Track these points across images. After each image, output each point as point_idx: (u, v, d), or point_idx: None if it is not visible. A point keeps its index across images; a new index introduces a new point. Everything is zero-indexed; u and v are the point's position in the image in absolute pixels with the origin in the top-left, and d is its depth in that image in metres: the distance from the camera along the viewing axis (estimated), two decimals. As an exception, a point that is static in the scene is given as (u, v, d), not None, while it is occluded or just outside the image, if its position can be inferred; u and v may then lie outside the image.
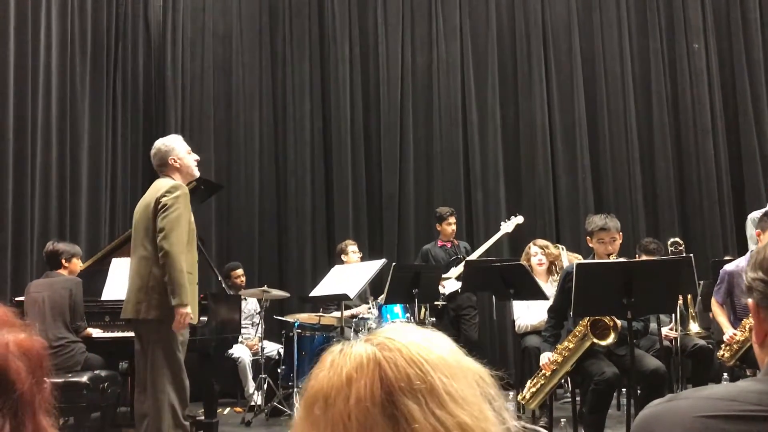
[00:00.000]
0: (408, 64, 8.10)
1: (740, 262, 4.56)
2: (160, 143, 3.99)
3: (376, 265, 4.67)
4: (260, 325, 6.16)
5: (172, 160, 3.92)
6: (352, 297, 4.43)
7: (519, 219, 6.68)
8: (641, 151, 7.87)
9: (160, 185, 3.84)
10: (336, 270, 4.92)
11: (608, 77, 8.01)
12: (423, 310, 6.07)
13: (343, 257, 6.39)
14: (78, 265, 5.04)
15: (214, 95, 7.96)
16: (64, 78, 6.64)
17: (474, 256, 6.46)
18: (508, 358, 7.18)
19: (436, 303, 6.28)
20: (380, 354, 0.83)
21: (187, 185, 4.00)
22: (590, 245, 4.28)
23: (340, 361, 0.85)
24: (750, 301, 1.11)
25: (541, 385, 4.23)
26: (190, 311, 3.65)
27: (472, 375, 0.86)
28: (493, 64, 8.01)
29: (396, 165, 7.93)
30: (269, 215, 7.92)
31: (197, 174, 4.11)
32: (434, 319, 6.22)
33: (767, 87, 7.82)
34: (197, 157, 4.10)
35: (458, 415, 0.81)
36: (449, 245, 6.64)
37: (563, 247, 5.57)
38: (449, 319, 6.52)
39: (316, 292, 4.75)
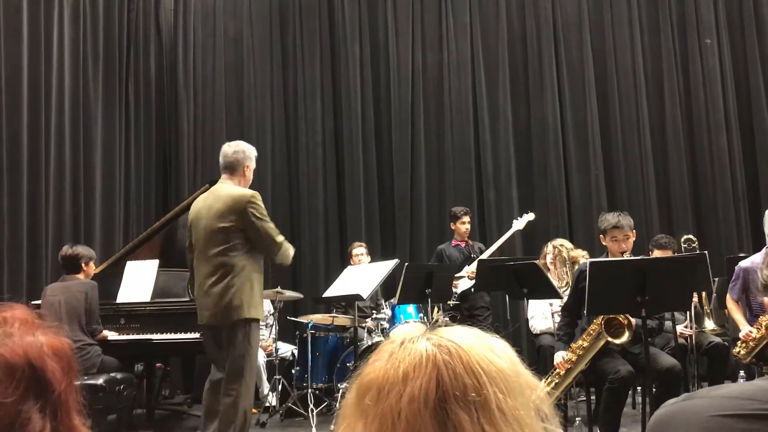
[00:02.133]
0: (418, 64, 8.10)
1: (755, 259, 4.52)
2: (244, 146, 4.20)
3: (389, 265, 4.68)
4: (274, 326, 6.18)
5: (246, 168, 4.14)
6: (365, 297, 4.43)
7: (530, 216, 6.66)
8: (654, 149, 7.82)
9: (245, 193, 4.00)
10: (348, 271, 4.93)
11: (620, 74, 7.97)
12: (436, 309, 6.06)
13: (350, 261, 6.41)
14: (93, 268, 5.08)
15: (225, 97, 8.00)
16: (77, 82, 6.69)
17: (486, 254, 6.44)
18: (522, 357, 7.14)
19: (449, 302, 6.28)
20: (440, 357, 0.83)
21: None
22: (603, 243, 4.26)
23: (399, 354, 0.85)
24: (766, 299, 1.10)
25: (556, 384, 4.20)
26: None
27: (530, 392, 0.86)
28: (504, 62, 8.00)
29: (408, 165, 7.93)
30: (282, 216, 7.92)
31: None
32: (448, 318, 6.21)
33: (781, 82, 7.75)
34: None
35: None
36: (464, 245, 6.64)
37: (585, 254, 5.51)
38: (462, 318, 6.51)
39: (329, 293, 4.76)
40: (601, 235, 4.26)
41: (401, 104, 8.03)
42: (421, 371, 0.82)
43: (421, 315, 5.83)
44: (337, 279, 4.86)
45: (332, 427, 5.27)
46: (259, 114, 8.00)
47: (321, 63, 8.14)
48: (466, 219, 6.60)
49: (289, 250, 4.13)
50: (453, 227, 6.67)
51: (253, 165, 4.21)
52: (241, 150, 4.15)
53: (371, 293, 5.22)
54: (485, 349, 0.85)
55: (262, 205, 4.00)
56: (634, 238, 4.24)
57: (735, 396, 1.01)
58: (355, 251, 6.54)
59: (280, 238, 4.07)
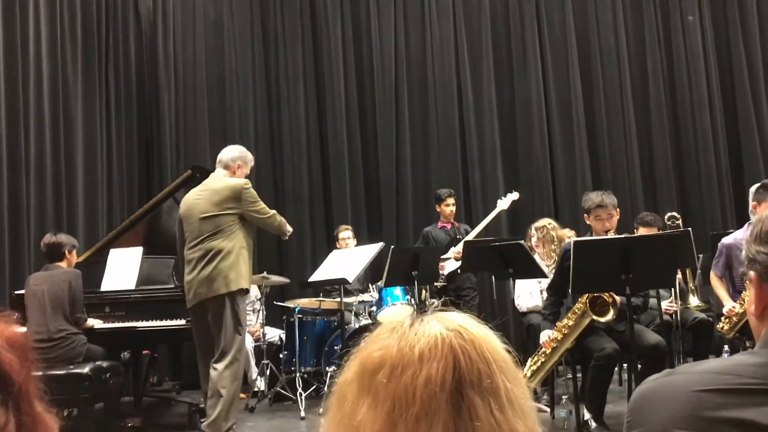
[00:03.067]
0: (401, 45, 8.04)
1: (738, 235, 4.55)
2: (245, 151, 4.67)
3: (374, 248, 4.68)
4: (261, 312, 6.17)
5: (238, 166, 4.55)
6: (350, 281, 4.44)
7: (515, 195, 6.67)
8: (638, 127, 7.84)
9: (238, 181, 4.45)
10: (334, 255, 4.93)
11: (603, 53, 7.96)
12: (424, 291, 6.08)
13: (337, 244, 6.40)
14: (76, 257, 5.03)
15: (207, 81, 7.90)
16: (56, 67, 6.59)
17: (472, 234, 6.46)
18: (509, 337, 7.18)
19: (435, 284, 6.30)
20: (456, 341, 0.83)
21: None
22: (588, 222, 4.27)
23: (410, 335, 0.84)
24: (752, 273, 1.10)
25: (542, 362, 4.24)
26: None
27: (525, 383, 0.87)
28: (487, 42, 7.96)
29: (392, 147, 7.90)
30: (267, 201, 7.78)
31: None
32: (434, 301, 6.23)
33: (763, 59, 7.78)
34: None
35: (514, 423, 0.82)
36: (449, 227, 6.64)
37: (573, 233, 5.53)
38: (449, 299, 6.53)
39: (314, 277, 4.76)
40: (585, 214, 4.27)
41: (385, 86, 7.98)
42: (438, 353, 0.82)
43: (408, 297, 5.84)
44: (323, 263, 4.84)
45: (321, 410, 5.29)
46: (241, 98, 7.93)
47: (303, 46, 8.06)
48: (451, 201, 6.61)
49: (284, 224, 4.63)
50: (438, 209, 6.67)
51: (246, 170, 4.58)
52: (237, 150, 4.62)
53: (357, 276, 5.23)
54: (491, 338, 0.86)
55: (254, 191, 4.44)
56: (618, 217, 4.25)
57: (715, 371, 1.02)
58: (341, 234, 6.54)
59: (273, 212, 4.57)
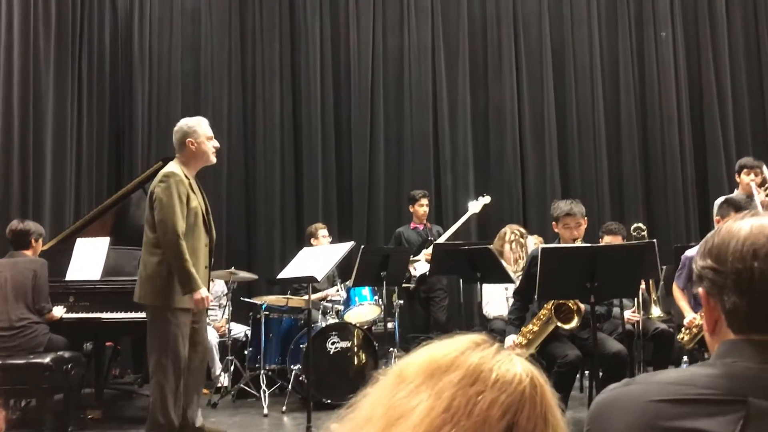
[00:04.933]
0: (379, 48, 8.08)
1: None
2: (183, 123, 4.07)
3: (344, 247, 4.67)
4: (227, 307, 6.13)
5: (190, 143, 4.01)
6: (319, 279, 4.43)
7: (486, 199, 6.75)
8: (608, 139, 7.97)
9: (160, 173, 3.91)
10: (304, 252, 4.91)
11: (577, 65, 8.08)
12: (396, 292, 6.11)
13: (312, 241, 6.39)
14: (41, 245, 4.96)
15: (182, 74, 7.85)
16: (27, 57, 6.47)
17: (444, 237, 6.51)
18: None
19: (406, 285, 6.34)
20: (529, 389, 0.83)
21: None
22: (556, 230, 4.33)
23: (494, 358, 0.85)
24: (701, 289, 1.13)
25: (506, 367, 4.27)
26: (204, 294, 3.81)
27: None
28: (464, 49, 8.03)
29: (366, 148, 7.92)
30: (237, 197, 7.86)
31: (213, 161, 4.20)
32: (402, 301, 6.26)
33: (731, 77, 7.95)
34: (217, 144, 4.16)
35: None
36: (422, 228, 6.69)
37: (539, 240, 5.62)
38: (419, 301, 6.58)
39: (283, 275, 4.73)
40: (553, 222, 4.33)
41: (361, 87, 8.00)
42: (510, 389, 0.82)
43: (376, 297, 5.86)
44: (292, 260, 4.84)
45: (284, 408, 5.29)
46: (215, 93, 7.89)
47: (280, 43, 8.05)
48: (424, 201, 6.66)
49: (180, 249, 3.78)
50: (411, 210, 6.72)
51: (200, 137, 4.02)
52: (179, 127, 4.07)
53: (326, 275, 5.22)
54: (553, 398, 0.87)
55: (174, 188, 3.84)
56: (585, 226, 4.32)
57: (671, 382, 1.04)
58: (320, 232, 6.51)
59: (177, 227, 3.81)
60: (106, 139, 7.49)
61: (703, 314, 4.11)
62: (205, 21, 7.94)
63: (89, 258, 5.19)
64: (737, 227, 1.09)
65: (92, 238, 5.34)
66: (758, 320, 1.05)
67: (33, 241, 4.77)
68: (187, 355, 3.92)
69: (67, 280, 5.10)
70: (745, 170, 5.50)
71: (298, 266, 4.67)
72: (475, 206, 6.71)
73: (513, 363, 0.86)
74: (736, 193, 5.49)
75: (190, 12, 7.97)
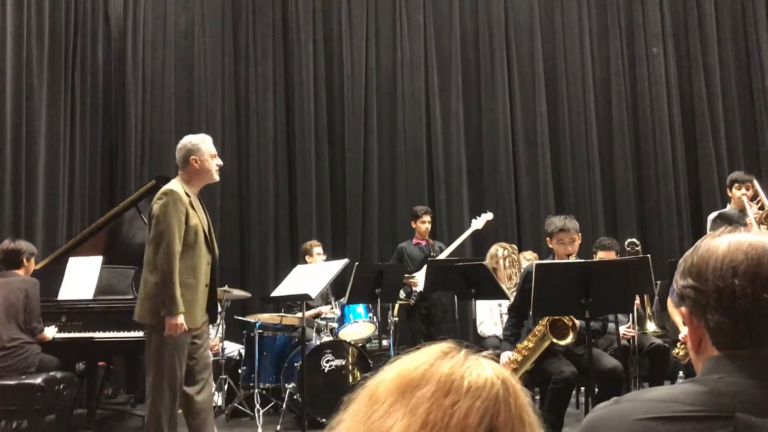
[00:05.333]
0: (372, 63, 8.10)
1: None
2: (187, 140, 4.01)
3: (338, 265, 4.66)
4: (221, 325, 6.09)
5: (194, 160, 3.96)
6: (313, 297, 4.41)
7: (489, 216, 6.76)
8: (601, 153, 7.99)
9: (160, 191, 3.87)
10: (298, 270, 4.89)
11: (569, 79, 8.12)
12: (396, 308, 6.11)
13: (307, 258, 6.37)
14: (34, 265, 4.93)
15: (175, 91, 7.85)
16: (20, 73, 6.47)
17: (446, 253, 6.53)
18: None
19: (407, 301, 6.34)
20: (502, 392, 0.83)
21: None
22: (550, 246, 4.33)
23: (464, 365, 0.85)
24: (683, 309, 1.13)
25: (501, 384, 4.25)
26: (180, 321, 3.70)
27: None
28: (457, 64, 8.06)
29: (360, 164, 7.92)
30: (231, 213, 7.84)
31: (216, 179, 4.14)
32: (397, 318, 6.24)
33: (722, 91, 7.99)
34: (220, 162, 4.12)
35: None
36: (424, 243, 6.69)
37: (533, 256, 5.64)
38: (420, 317, 6.57)
39: (277, 293, 4.71)
40: (547, 238, 4.33)
41: (354, 103, 8.02)
42: (484, 394, 0.82)
43: (371, 315, 5.84)
44: (286, 278, 4.82)
45: (278, 427, 5.24)
46: (209, 109, 7.89)
47: (274, 59, 8.07)
48: (427, 219, 6.69)
49: (171, 269, 3.70)
50: (413, 226, 6.74)
51: (203, 155, 3.98)
52: (182, 145, 4.02)
53: (320, 293, 5.20)
54: (527, 398, 0.87)
55: (171, 205, 3.78)
56: (579, 241, 4.32)
57: (659, 399, 1.05)
58: (315, 249, 6.49)
59: (171, 245, 3.73)
60: (99, 157, 7.47)
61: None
62: (198, 38, 7.95)
63: (81, 277, 5.16)
64: (715, 245, 1.11)
65: (84, 257, 5.31)
66: (742, 336, 1.06)
67: (25, 260, 4.74)
68: (183, 376, 3.87)
69: (59, 300, 5.07)
70: (736, 185, 5.52)
71: (291, 284, 4.65)
72: (477, 223, 6.73)
73: (483, 367, 0.85)
74: (729, 208, 5.51)
75: (184, 29, 7.99)
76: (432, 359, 0.86)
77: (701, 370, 1.10)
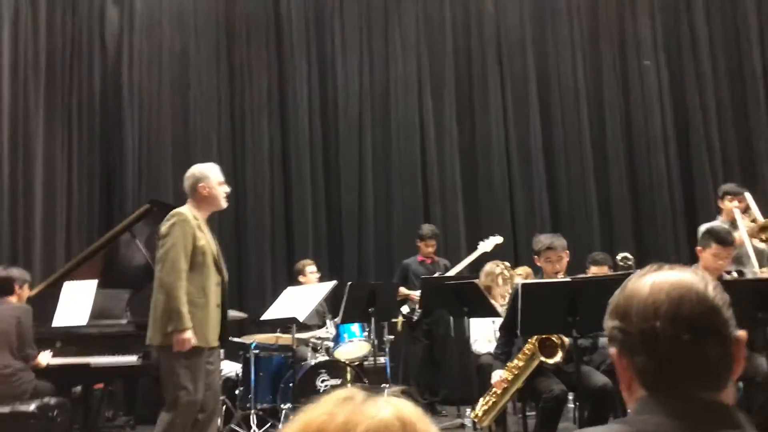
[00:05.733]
0: (366, 81, 8.15)
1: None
2: (196, 169, 4.15)
3: (327, 287, 4.69)
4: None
5: (202, 188, 4.07)
6: (301, 320, 4.43)
7: (498, 239, 6.74)
8: (595, 166, 8.00)
9: (169, 213, 4.00)
10: (288, 292, 4.92)
11: (562, 93, 8.14)
12: (400, 325, 6.14)
13: (300, 278, 6.39)
14: (27, 291, 4.96)
15: (171, 112, 7.89)
16: (17, 97, 6.54)
17: (451, 273, 6.52)
18: (469, 373, 7.21)
19: (410, 317, 6.38)
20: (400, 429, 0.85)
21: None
22: (538, 264, 4.35)
23: (361, 411, 0.86)
24: (612, 350, 1.15)
25: (493, 402, 4.27)
26: (188, 336, 3.75)
27: None
28: (450, 81, 8.11)
29: (355, 182, 7.95)
30: (228, 233, 7.84)
31: (224, 205, 4.24)
32: (392, 336, 6.24)
33: (716, 102, 8.00)
34: (228, 190, 4.23)
35: None
36: (429, 261, 6.72)
37: (526, 272, 5.66)
38: (423, 333, 6.58)
39: (266, 316, 4.74)
40: (535, 256, 4.35)
41: (348, 121, 8.06)
42: None
43: (366, 333, 5.85)
44: (276, 301, 4.84)
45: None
46: (204, 130, 7.93)
47: (268, 79, 8.12)
48: (432, 243, 6.75)
49: (176, 285, 3.81)
50: (418, 245, 6.79)
51: (211, 182, 4.10)
52: (191, 173, 4.14)
53: (315, 312, 5.22)
54: (428, 424, 0.88)
55: (178, 226, 3.91)
56: (567, 259, 4.34)
57: None
58: (308, 269, 6.52)
59: (177, 263, 3.84)
60: (96, 180, 7.51)
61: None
62: (193, 59, 8.01)
63: (76, 302, 5.18)
64: (639, 285, 1.12)
65: (79, 281, 5.34)
66: (666, 378, 1.08)
67: (17, 287, 4.78)
68: (202, 396, 3.89)
69: (54, 326, 5.09)
70: (728, 197, 5.53)
71: (280, 307, 4.68)
72: (486, 245, 6.70)
73: (379, 409, 0.86)
74: (719, 220, 5.50)
75: (179, 51, 8.05)
76: (330, 408, 0.87)
77: (632, 410, 1.12)
